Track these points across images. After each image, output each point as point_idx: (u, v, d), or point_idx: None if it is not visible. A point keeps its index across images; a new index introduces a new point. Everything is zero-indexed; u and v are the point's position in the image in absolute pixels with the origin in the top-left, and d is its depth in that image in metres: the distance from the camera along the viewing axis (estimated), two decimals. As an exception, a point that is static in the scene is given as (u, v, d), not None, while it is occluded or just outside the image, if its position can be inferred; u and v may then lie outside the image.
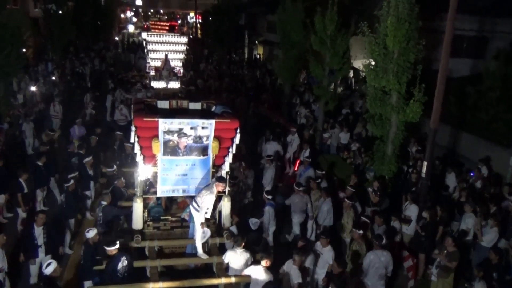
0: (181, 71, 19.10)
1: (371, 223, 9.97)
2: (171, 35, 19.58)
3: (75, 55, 32.34)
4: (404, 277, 9.86)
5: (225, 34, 36.15)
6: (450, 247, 8.80)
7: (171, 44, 18.49)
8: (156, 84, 17.80)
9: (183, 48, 18.81)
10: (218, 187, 8.56)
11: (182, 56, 19.10)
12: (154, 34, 19.79)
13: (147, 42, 19.11)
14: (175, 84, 17.07)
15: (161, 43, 18.47)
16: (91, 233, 8.40)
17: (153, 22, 42.28)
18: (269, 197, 10.64)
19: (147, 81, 21.36)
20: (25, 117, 17.38)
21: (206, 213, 8.61)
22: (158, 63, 18.78)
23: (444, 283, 8.83)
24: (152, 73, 19.54)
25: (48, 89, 22.15)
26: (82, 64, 29.67)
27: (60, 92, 21.87)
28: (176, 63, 18.44)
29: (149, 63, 19.90)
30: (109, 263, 7.83)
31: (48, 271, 7.24)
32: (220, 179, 8.63)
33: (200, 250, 8.76)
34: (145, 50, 21.50)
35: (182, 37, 19.57)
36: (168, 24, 39.39)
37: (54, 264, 7.30)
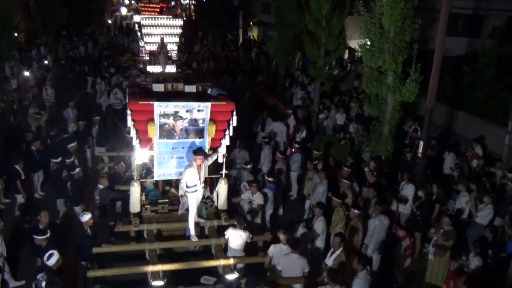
0: (175, 54, 18.88)
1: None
2: (166, 17, 19.27)
3: (68, 39, 31.96)
4: (402, 256, 9.96)
5: (219, 16, 35.75)
6: (446, 226, 8.88)
7: (166, 27, 18.22)
8: (151, 69, 17.58)
9: (179, 31, 18.57)
10: (196, 160, 8.47)
11: (177, 39, 18.86)
12: (148, 17, 19.49)
13: (142, 26, 18.83)
14: (171, 68, 16.91)
15: (156, 26, 18.20)
16: (85, 217, 8.41)
17: (142, 4, 41.48)
18: (270, 179, 10.63)
19: (141, 66, 21.09)
20: (20, 102, 17.24)
21: (192, 188, 8.51)
22: (153, 47, 18.52)
23: (441, 261, 8.93)
24: (146, 57, 19.26)
25: (42, 73, 21.95)
26: (75, 48, 29.36)
27: (54, 76, 21.68)
28: (172, 47, 18.21)
29: (143, 47, 19.59)
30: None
31: (50, 262, 7.01)
32: (197, 152, 8.49)
33: (192, 231, 8.80)
34: (138, 34, 21.17)
35: (177, 19, 19.28)
36: (158, 6, 38.71)
37: (56, 255, 7.08)
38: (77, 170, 10.47)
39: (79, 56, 28.20)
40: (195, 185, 8.56)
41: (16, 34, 21.79)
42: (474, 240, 9.02)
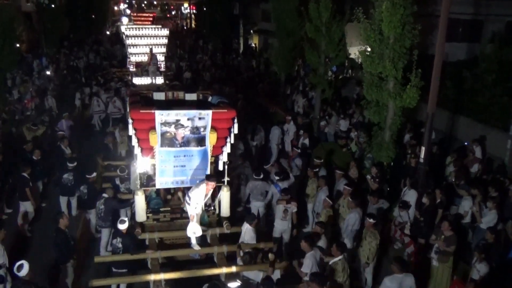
0: (163, 65, 18.60)
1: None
2: (151, 27, 18.97)
3: (69, 49, 32.10)
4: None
5: (219, 24, 35.93)
6: (446, 231, 8.79)
7: (152, 38, 17.88)
8: (138, 81, 17.25)
9: (165, 41, 18.27)
10: (208, 185, 8.50)
11: (164, 49, 18.55)
12: (132, 28, 19.03)
13: (126, 36, 18.49)
14: (159, 80, 16.74)
15: (140, 36, 17.84)
16: (124, 226, 8.33)
17: (135, 14, 41.49)
18: (277, 177, 10.57)
19: (129, 77, 20.66)
20: (22, 112, 17.23)
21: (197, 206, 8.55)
22: (139, 58, 18.25)
23: (444, 267, 8.86)
24: (132, 68, 18.84)
25: (43, 83, 22.02)
26: (76, 58, 29.49)
27: (55, 87, 21.73)
28: (159, 57, 18.01)
29: (129, 58, 19.19)
30: None
31: (22, 273, 6.81)
32: (210, 178, 8.53)
33: (193, 241, 8.78)
34: (125, 44, 20.57)
35: (163, 29, 19.00)
36: (151, 16, 38.67)
37: (26, 265, 6.87)
38: (93, 174, 10.54)
39: (82, 66, 28.28)
40: (197, 204, 8.58)
41: (18, 45, 21.92)
42: (476, 245, 8.96)
